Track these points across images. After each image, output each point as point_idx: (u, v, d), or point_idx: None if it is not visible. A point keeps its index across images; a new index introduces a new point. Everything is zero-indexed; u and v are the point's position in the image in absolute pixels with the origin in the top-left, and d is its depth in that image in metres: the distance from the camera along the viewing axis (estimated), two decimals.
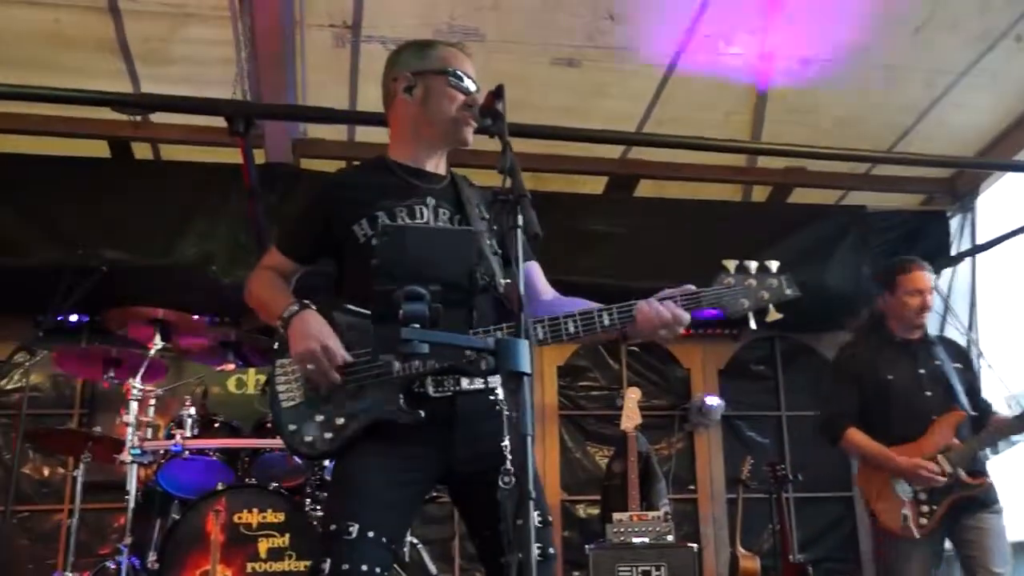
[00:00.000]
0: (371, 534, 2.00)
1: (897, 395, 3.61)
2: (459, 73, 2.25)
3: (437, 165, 2.33)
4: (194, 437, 4.14)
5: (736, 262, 2.15)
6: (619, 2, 4.58)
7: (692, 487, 6.15)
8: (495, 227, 2.22)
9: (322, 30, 4.52)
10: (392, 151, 2.34)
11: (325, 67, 4.73)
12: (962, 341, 5.84)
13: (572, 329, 2.13)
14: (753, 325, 2.14)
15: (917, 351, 3.69)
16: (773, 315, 2.15)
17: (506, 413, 2.03)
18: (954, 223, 6.05)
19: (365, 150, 5.39)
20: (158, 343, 4.28)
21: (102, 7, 4.25)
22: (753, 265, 2.15)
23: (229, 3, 4.12)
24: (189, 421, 4.19)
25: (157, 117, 4.80)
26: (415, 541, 4.70)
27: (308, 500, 4.17)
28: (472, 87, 2.26)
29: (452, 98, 2.25)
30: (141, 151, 5.29)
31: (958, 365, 3.72)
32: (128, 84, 4.65)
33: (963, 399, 3.60)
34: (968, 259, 6.01)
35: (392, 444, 2.09)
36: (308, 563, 3.95)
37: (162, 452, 4.12)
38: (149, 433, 4.22)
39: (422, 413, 2.09)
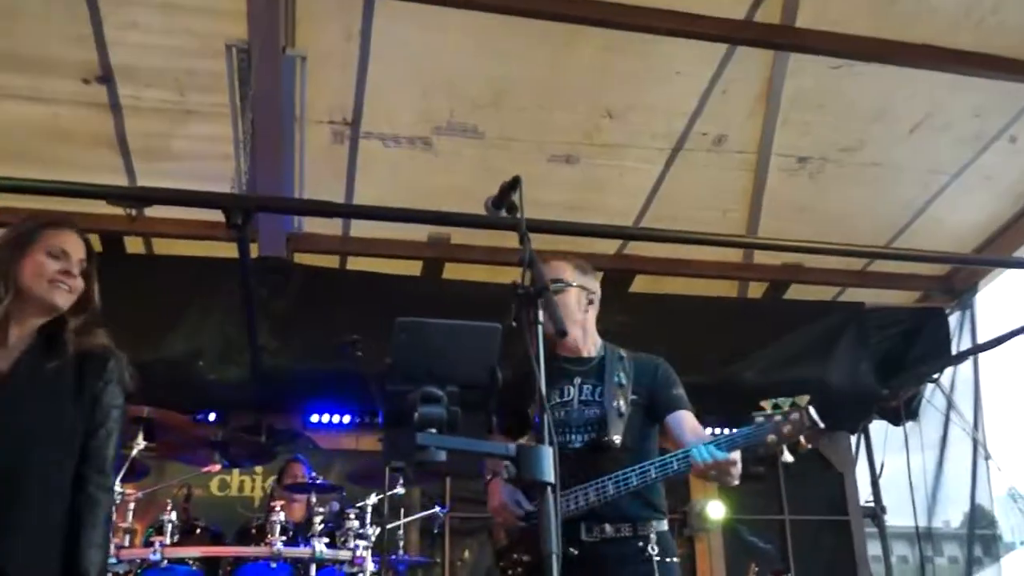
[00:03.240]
0: None
1: None
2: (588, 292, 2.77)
3: (589, 349, 2.76)
4: (174, 544, 3.89)
5: (772, 401, 2.38)
6: (616, 100, 4.62)
7: None
8: (635, 392, 2.62)
9: (321, 126, 4.53)
10: (555, 344, 2.69)
11: (323, 163, 4.73)
12: (968, 440, 5.75)
13: (653, 475, 2.46)
14: (788, 457, 2.32)
15: None
16: (803, 445, 2.33)
17: (656, 560, 2.47)
18: (953, 320, 6.02)
19: (359, 245, 5.36)
20: (140, 443, 4.04)
21: (103, 103, 4.24)
22: (787, 402, 2.36)
23: (230, 100, 4.11)
24: (169, 527, 3.92)
25: (152, 211, 4.74)
26: None
27: None
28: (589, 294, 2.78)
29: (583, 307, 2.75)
30: (133, 245, 5.22)
31: None
32: (124, 179, 4.63)
33: None
34: (971, 357, 5.92)
35: None
36: None
37: (139, 561, 3.82)
38: (127, 540, 3.96)
39: (574, 551, 2.43)
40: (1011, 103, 4.77)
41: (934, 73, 4.44)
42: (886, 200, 5.39)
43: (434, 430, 1.68)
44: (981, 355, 5.89)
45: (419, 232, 5.27)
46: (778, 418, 2.33)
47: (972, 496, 5.89)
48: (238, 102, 4.05)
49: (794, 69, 4.55)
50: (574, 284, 2.74)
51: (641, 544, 2.53)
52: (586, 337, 2.77)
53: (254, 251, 5.01)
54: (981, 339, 5.81)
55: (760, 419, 2.34)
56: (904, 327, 6.00)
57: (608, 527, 2.52)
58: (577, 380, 2.68)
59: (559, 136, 4.79)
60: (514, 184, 2.12)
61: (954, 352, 5.90)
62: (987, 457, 5.73)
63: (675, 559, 2.59)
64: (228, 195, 4.21)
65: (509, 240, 4.65)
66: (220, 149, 4.40)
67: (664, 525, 2.61)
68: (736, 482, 2.42)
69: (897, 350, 5.94)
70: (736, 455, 2.33)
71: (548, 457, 1.69)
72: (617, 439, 2.54)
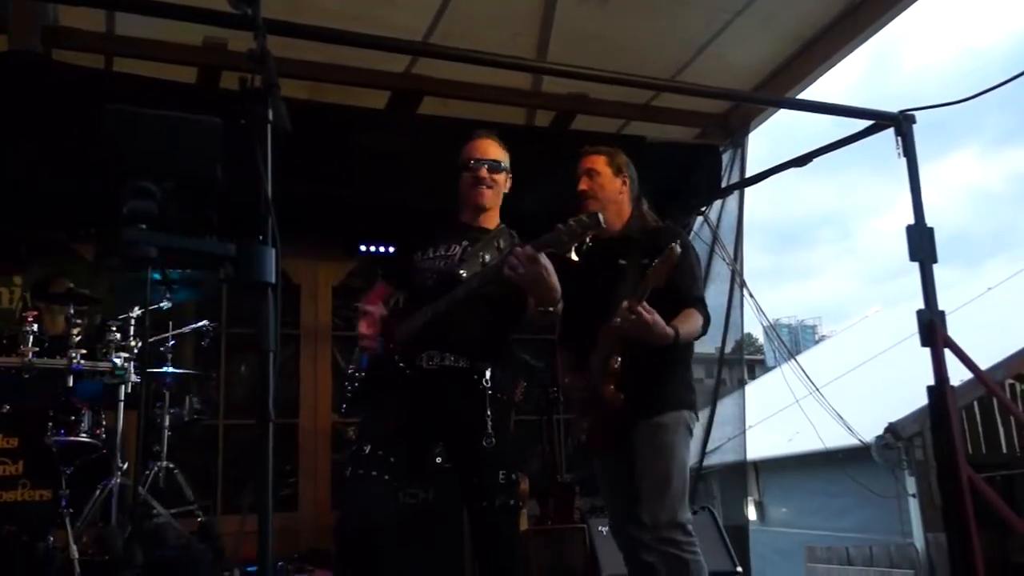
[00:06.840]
0: (380, 452, 2.71)
1: None
2: (470, 162, 3.09)
3: (483, 221, 3.11)
4: None
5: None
6: None
7: None
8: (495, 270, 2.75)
9: None
10: (465, 213, 3.15)
11: None
12: (727, 272, 6.18)
13: (474, 284, 2.77)
14: (574, 256, 2.63)
15: None
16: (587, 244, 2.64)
17: (489, 393, 2.82)
18: (726, 158, 6.29)
19: (126, 45, 4.92)
20: None
21: None
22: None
23: None
24: None
25: None
26: (172, 466, 4.50)
27: (51, 424, 3.94)
28: (482, 165, 3.09)
29: (466, 181, 3.09)
30: None
31: None
32: None
33: None
34: (736, 193, 6.26)
35: (397, 398, 2.87)
36: (45, 492, 3.80)
37: None
38: None
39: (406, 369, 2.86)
40: None
41: None
42: (672, 35, 5.47)
43: (144, 225, 1.61)
44: (745, 197, 6.26)
45: (194, 36, 4.89)
46: (571, 223, 2.61)
47: (727, 324, 6.39)
48: None
49: None
50: (507, 168, 3.17)
51: (476, 377, 2.84)
52: (493, 213, 3.14)
53: (4, 43, 4.55)
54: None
55: (559, 226, 2.63)
56: (681, 161, 6.25)
57: (449, 356, 2.84)
58: (465, 243, 2.97)
59: None
60: None
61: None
62: (743, 285, 6.22)
63: (509, 397, 2.94)
64: None
65: (291, 49, 4.38)
66: None
67: (499, 368, 2.91)
68: (554, 285, 2.67)
69: (672, 184, 6.20)
70: (539, 256, 2.59)
71: (270, 257, 1.66)
72: (463, 273, 2.80)
